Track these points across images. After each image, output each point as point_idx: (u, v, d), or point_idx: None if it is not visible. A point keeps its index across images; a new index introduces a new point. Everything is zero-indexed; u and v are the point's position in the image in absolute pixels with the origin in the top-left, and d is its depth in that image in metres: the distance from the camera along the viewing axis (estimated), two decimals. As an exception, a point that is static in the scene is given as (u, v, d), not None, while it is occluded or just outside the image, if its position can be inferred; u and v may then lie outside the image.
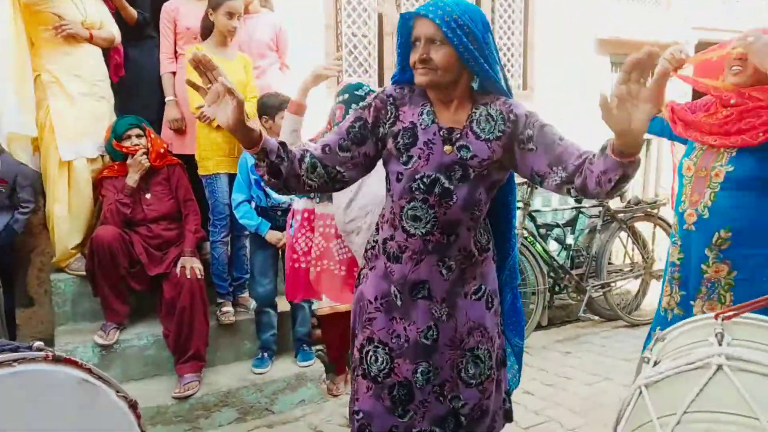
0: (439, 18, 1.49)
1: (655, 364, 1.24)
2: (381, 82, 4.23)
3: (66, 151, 3.01)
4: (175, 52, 3.31)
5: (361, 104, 1.71)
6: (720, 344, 1.14)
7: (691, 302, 2.16)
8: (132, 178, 3.00)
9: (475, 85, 1.68)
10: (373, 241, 1.76)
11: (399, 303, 1.67)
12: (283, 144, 1.52)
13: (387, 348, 1.68)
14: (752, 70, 2.01)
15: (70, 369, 1.40)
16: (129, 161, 3.01)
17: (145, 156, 3.01)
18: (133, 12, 3.38)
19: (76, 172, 3.07)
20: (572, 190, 1.49)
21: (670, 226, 4.73)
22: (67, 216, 3.08)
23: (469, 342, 1.67)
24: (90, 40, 3.09)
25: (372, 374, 1.69)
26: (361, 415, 1.72)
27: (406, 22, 1.59)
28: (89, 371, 1.44)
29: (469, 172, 1.59)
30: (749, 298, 1.96)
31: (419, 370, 1.65)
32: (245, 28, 3.35)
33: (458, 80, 1.58)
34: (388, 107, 1.64)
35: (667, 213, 4.83)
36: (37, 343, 1.44)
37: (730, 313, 1.20)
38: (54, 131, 2.99)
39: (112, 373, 2.83)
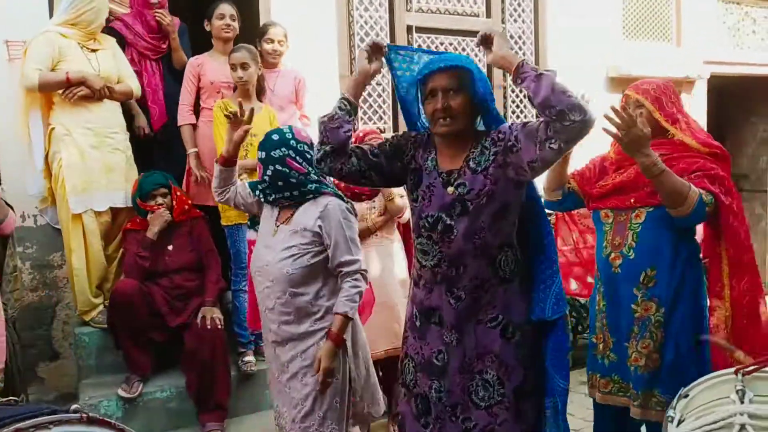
0: (454, 69, 1.71)
1: (679, 422, 1.23)
2: (396, 128, 4.31)
3: (75, 203, 3.06)
4: (198, 105, 3.42)
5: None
6: (742, 402, 1.13)
7: (625, 344, 2.21)
8: (152, 231, 3.05)
9: (479, 126, 1.84)
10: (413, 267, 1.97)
11: (418, 324, 1.87)
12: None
13: (413, 362, 1.90)
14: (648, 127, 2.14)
15: (103, 429, 1.45)
16: (149, 216, 3.08)
17: (167, 212, 3.08)
18: (184, 57, 3.50)
19: (85, 224, 3.12)
20: (551, 127, 1.60)
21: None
22: (84, 267, 3.13)
23: (478, 366, 1.77)
24: (110, 96, 3.16)
25: (406, 383, 1.94)
26: (400, 416, 1.99)
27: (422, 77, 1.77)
28: (122, 431, 1.48)
29: (468, 205, 1.74)
30: (677, 334, 2.12)
31: (433, 387, 1.82)
32: (267, 82, 3.46)
33: (470, 124, 1.79)
34: (410, 145, 1.89)
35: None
36: (74, 406, 1.49)
37: (751, 368, 1.20)
38: (64, 184, 3.05)
39: (136, 426, 2.85)
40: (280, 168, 2.12)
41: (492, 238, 1.75)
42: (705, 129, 5.61)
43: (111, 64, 3.23)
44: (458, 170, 1.77)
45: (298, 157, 2.15)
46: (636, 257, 2.16)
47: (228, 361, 3.03)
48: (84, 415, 1.40)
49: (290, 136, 2.16)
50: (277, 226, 2.21)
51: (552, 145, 1.57)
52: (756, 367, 1.20)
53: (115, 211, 3.26)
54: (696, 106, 5.68)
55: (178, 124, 3.40)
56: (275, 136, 2.15)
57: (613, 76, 5.11)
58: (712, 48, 5.71)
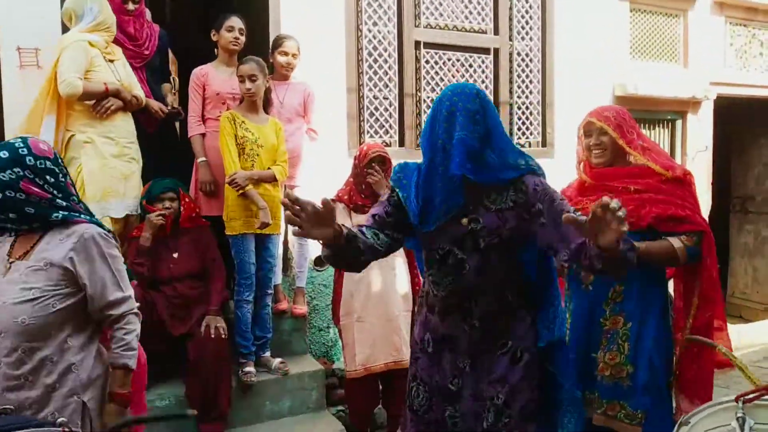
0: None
1: (679, 449, 1.23)
2: (402, 142, 4.33)
3: (93, 210, 3.07)
4: (203, 115, 3.44)
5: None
6: (742, 429, 1.13)
7: (593, 354, 2.33)
8: (144, 237, 3.04)
9: (491, 159, 1.76)
10: (422, 290, 1.94)
11: (431, 350, 1.84)
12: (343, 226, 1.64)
13: (426, 387, 1.85)
14: (610, 151, 2.33)
15: None
16: (145, 222, 3.08)
17: (160, 217, 3.06)
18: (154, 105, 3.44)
19: None
20: (582, 269, 1.58)
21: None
22: None
23: (489, 393, 1.77)
24: (138, 106, 3.18)
25: (414, 408, 1.87)
26: None
27: None
28: None
29: (479, 242, 1.72)
30: (644, 349, 2.23)
31: (447, 413, 1.80)
32: (275, 93, 3.50)
33: None
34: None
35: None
36: (61, 419, 1.49)
37: (751, 395, 1.20)
38: (84, 190, 3.06)
39: (135, 434, 2.84)
40: (12, 194, 1.66)
41: (502, 274, 1.77)
42: (711, 148, 5.68)
43: (126, 73, 3.26)
44: (473, 204, 1.74)
45: (37, 179, 1.70)
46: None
47: (231, 372, 3.03)
48: (66, 429, 1.41)
49: (25, 152, 1.69)
50: (10, 263, 1.71)
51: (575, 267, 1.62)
52: (757, 395, 1.20)
53: (125, 218, 3.27)
54: (702, 127, 5.69)
55: (189, 136, 3.42)
56: (3, 153, 1.67)
57: (620, 95, 5.12)
58: (718, 69, 5.74)
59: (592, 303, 2.34)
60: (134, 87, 3.31)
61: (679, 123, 5.64)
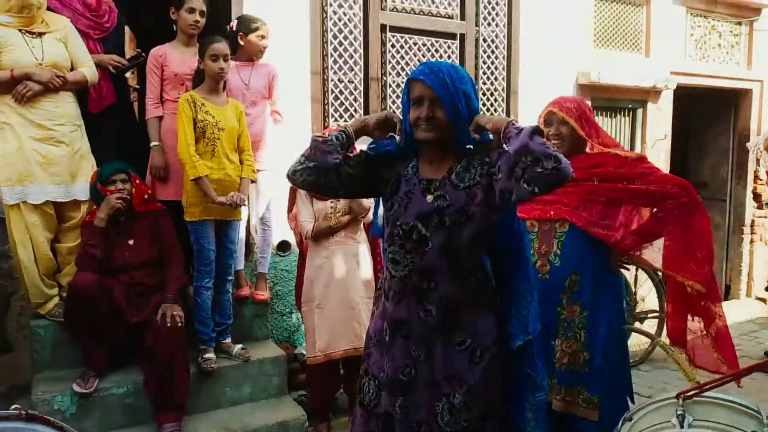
0: (437, 82, 1.67)
1: (622, 445, 1.27)
2: (366, 127, 4.30)
3: (9, 195, 2.95)
4: (161, 97, 3.36)
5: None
6: (681, 426, 1.18)
7: (552, 342, 2.40)
8: (99, 218, 2.96)
9: (467, 142, 1.78)
10: (381, 279, 1.92)
11: (387, 339, 1.80)
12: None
13: (376, 380, 1.85)
14: (568, 142, 2.37)
15: (42, 427, 1.45)
16: (103, 203, 3.00)
17: (120, 200, 2.99)
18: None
19: (24, 217, 3.00)
20: (527, 172, 1.55)
21: (653, 268, 4.80)
22: (31, 259, 3.03)
23: (445, 389, 1.73)
24: (63, 87, 3.00)
25: (365, 403, 1.87)
26: None
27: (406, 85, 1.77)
28: (61, 429, 1.48)
29: (445, 219, 1.70)
30: (598, 336, 2.30)
31: (397, 404, 1.77)
32: (239, 75, 3.42)
33: (454, 136, 1.73)
34: (387, 154, 1.83)
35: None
36: (14, 406, 1.48)
37: (691, 393, 1.24)
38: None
39: (91, 422, 2.82)
40: None
41: (466, 258, 1.73)
42: (670, 136, 5.82)
43: (59, 49, 3.06)
44: (439, 181, 1.74)
45: None
46: (561, 264, 2.35)
47: (188, 360, 2.99)
48: (23, 412, 1.41)
49: None
50: None
51: (526, 187, 1.54)
52: (696, 392, 1.25)
53: (77, 204, 3.15)
54: (662, 116, 5.81)
55: (146, 118, 3.33)
56: None
57: (583, 83, 5.19)
58: (679, 59, 5.85)
59: (549, 292, 2.36)
60: (79, 63, 3.12)
61: (639, 112, 5.75)
